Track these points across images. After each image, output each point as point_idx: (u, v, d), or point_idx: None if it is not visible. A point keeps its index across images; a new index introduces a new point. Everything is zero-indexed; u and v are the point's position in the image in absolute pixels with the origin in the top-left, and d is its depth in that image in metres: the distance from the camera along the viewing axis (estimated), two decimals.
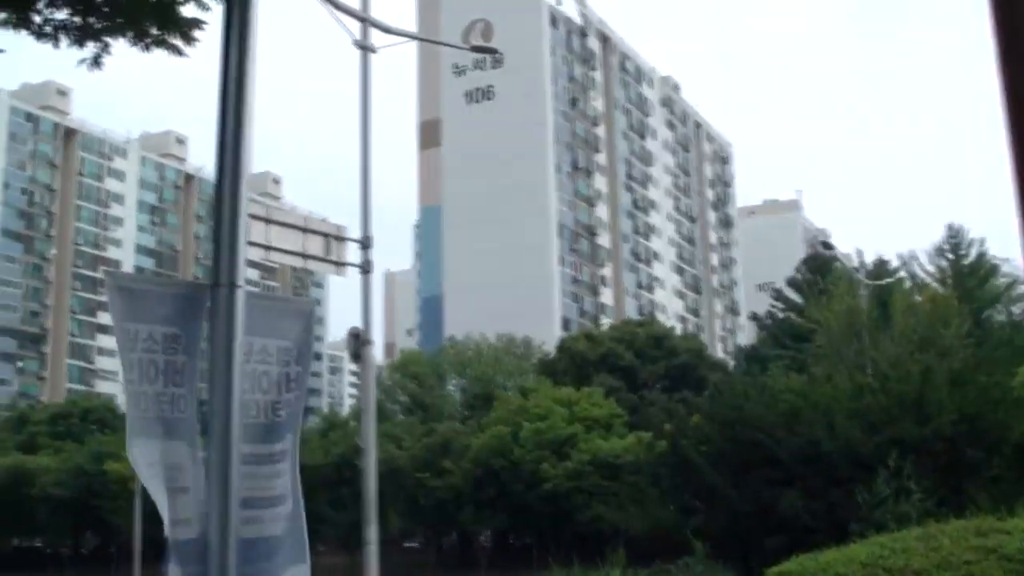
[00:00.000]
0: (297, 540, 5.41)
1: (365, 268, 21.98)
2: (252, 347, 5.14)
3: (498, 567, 70.54)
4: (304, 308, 5.64)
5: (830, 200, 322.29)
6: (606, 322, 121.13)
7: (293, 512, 5.42)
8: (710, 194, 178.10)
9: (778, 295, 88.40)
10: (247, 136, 5.06)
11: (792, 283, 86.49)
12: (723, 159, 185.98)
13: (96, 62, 8.14)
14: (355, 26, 23.48)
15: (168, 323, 4.97)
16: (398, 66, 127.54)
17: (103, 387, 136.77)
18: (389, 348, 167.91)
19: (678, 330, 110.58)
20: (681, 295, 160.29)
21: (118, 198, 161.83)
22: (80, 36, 8.10)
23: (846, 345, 53.90)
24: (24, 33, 8.34)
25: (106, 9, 7.95)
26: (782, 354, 72.11)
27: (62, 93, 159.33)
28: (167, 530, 4.83)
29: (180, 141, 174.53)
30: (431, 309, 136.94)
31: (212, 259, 4.96)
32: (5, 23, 8.22)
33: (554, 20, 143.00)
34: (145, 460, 4.86)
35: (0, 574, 77.10)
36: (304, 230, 20.55)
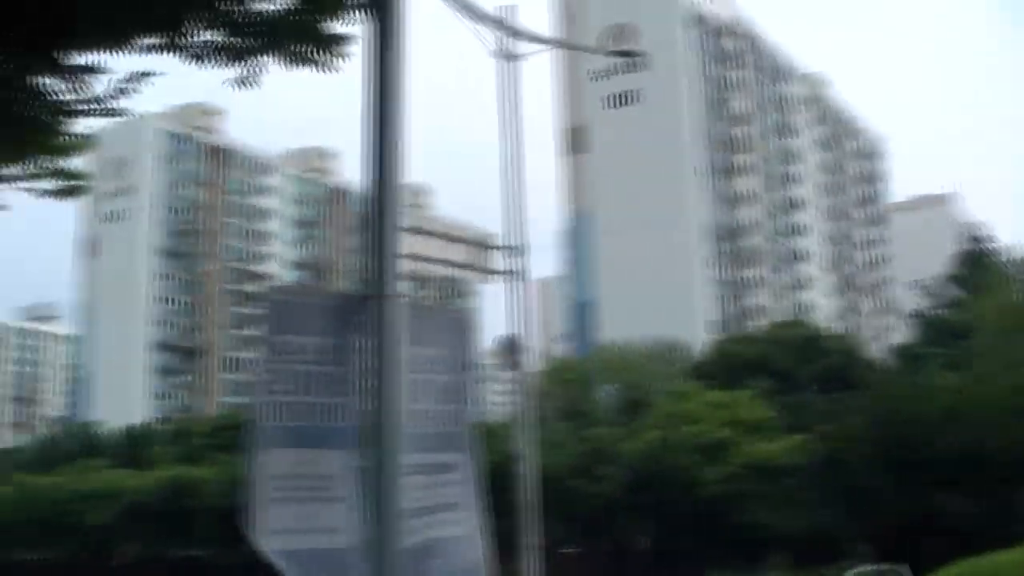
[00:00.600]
0: (472, 549, 5.38)
1: (516, 275, 21.97)
2: (411, 357, 5.12)
3: (655, 573, 70.10)
4: (461, 317, 5.62)
5: (988, 194, 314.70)
6: (754, 324, 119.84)
7: (468, 521, 5.39)
8: (859, 191, 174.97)
9: (931, 292, 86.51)
10: (398, 148, 5.06)
11: (947, 279, 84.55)
12: (873, 154, 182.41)
13: (244, 82, 8.21)
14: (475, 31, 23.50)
15: (324, 334, 4.98)
16: (532, 72, 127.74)
17: (249, 400, 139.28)
18: (537, 354, 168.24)
19: (829, 330, 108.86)
20: (831, 294, 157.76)
21: (268, 214, 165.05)
22: (227, 57, 8.18)
23: (1006, 342, 52.33)
24: (173, 56, 8.47)
25: (252, 29, 8.02)
26: (937, 352, 70.48)
27: (211, 113, 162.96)
28: (271, 541, 4.80)
29: (328, 155, 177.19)
30: (579, 315, 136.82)
31: (366, 271, 4.95)
32: (156, 48, 8.34)
33: (694, 21, 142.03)
34: (280, 471, 4.86)
35: None
36: (454, 239, 20.61)
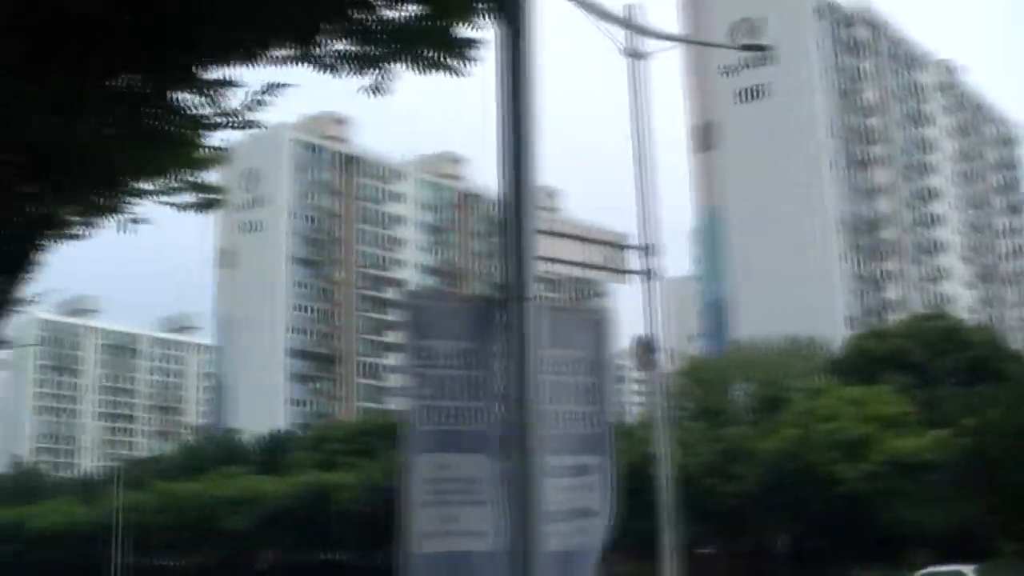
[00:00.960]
0: (597, 554, 5.37)
1: (650, 275, 21.89)
2: (548, 359, 5.11)
3: (794, 572, 69.28)
4: (597, 318, 5.59)
5: None
6: (893, 317, 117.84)
7: (596, 528, 5.37)
8: (998, 178, 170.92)
9: None
10: (533, 151, 5.05)
11: None
12: (1011, 141, 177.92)
13: (377, 89, 8.28)
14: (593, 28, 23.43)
15: (464, 338, 5.00)
16: (660, 69, 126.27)
17: (395, 404, 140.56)
18: (671, 354, 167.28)
19: (969, 322, 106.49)
20: (970, 286, 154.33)
21: (399, 220, 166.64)
22: (359, 65, 8.26)
23: None
24: (306, 67, 8.58)
25: (383, 37, 8.09)
26: None
27: (340, 122, 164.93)
28: (416, 544, 4.82)
29: (456, 160, 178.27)
30: (713, 313, 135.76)
31: (502, 274, 4.97)
32: (289, 59, 8.46)
33: (821, 11, 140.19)
34: (427, 474, 4.89)
35: None
36: (586, 240, 20.58)
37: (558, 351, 5.20)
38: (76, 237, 13.78)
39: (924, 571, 39.99)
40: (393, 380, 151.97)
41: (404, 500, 4.89)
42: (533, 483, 4.77)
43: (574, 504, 5.24)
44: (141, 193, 10.86)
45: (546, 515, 4.96)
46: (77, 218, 12.98)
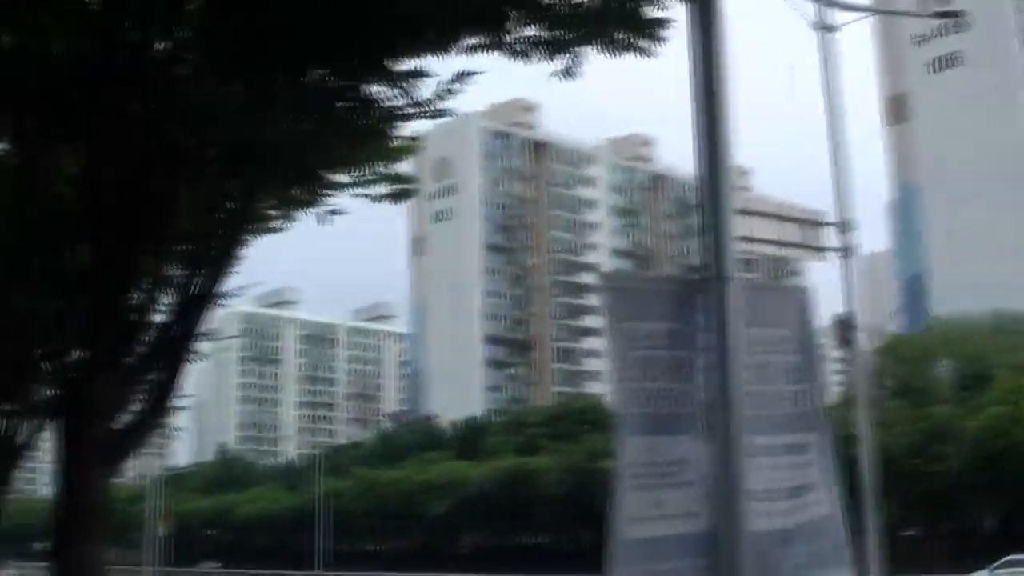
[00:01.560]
0: (835, 530, 5.27)
1: (846, 251, 21.46)
2: (751, 338, 5.04)
3: (1002, 553, 67.24)
4: (798, 295, 5.50)
5: None
6: None
7: (828, 502, 5.27)
8: None
9: None
10: (726, 129, 4.99)
11: None
12: None
13: (568, 73, 8.28)
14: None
15: (666, 319, 4.97)
16: (850, 41, 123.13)
17: (590, 388, 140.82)
18: (870, 331, 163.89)
19: None
20: None
21: (590, 204, 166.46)
22: (549, 50, 8.26)
23: None
24: (496, 54, 8.61)
25: (573, 21, 8.08)
26: None
27: (528, 108, 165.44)
28: (622, 528, 4.78)
29: (646, 143, 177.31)
30: (911, 289, 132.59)
31: (701, 254, 4.92)
32: (479, 47, 8.51)
33: None
34: (634, 458, 4.86)
35: (505, 569, 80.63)
36: (781, 218, 20.28)
37: (762, 330, 5.13)
38: (274, 230, 14.16)
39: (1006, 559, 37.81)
40: (589, 364, 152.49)
41: (613, 485, 4.88)
42: (738, 464, 4.72)
43: (793, 483, 5.16)
44: (336, 185, 11.09)
45: (764, 494, 4.92)
46: (275, 212, 13.33)
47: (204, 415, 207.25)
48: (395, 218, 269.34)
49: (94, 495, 9.40)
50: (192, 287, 10.15)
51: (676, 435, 4.92)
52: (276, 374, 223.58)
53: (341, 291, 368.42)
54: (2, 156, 15.69)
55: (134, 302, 10.73)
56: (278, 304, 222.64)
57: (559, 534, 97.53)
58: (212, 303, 10.55)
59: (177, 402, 10.47)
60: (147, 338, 10.95)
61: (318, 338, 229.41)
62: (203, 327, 10.68)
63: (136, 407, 10.59)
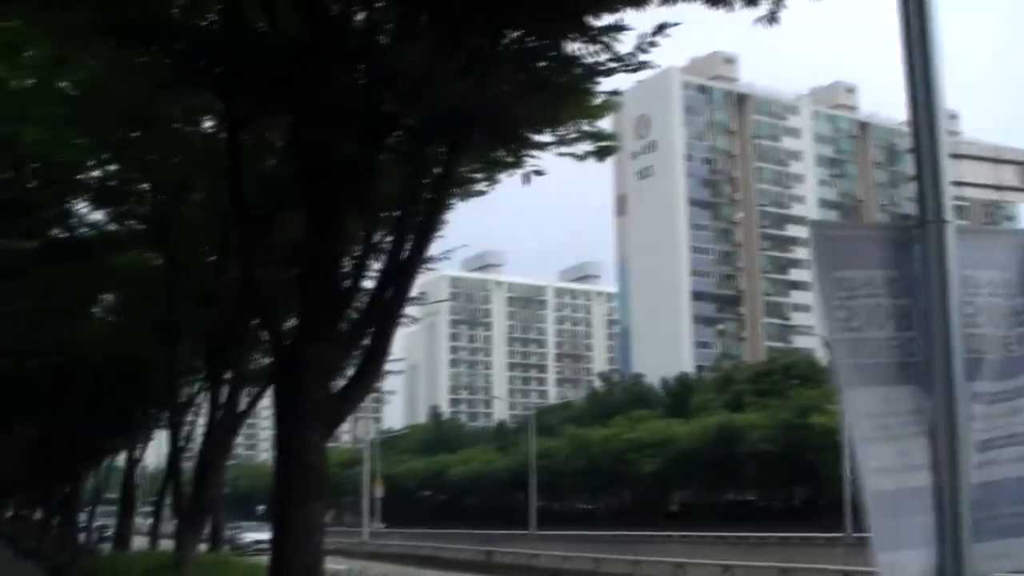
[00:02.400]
0: None
1: None
2: (969, 282, 4.88)
3: None
4: (1018, 237, 5.28)
5: None
6: None
7: None
8: None
9: None
10: (938, 70, 4.82)
11: None
12: None
13: (771, 18, 8.11)
14: None
15: (884, 266, 4.84)
16: None
17: (800, 342, 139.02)
18: None
19: None
20: None
21: (795, 155, 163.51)
22: None
23: None
24: (693, 4, 8.47)
25: None
26: None
27: (729, 61, 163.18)
28: (871, 480, 4.66)
29: (849, 90, 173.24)
30: None
31: (917, 199, 4.77)
32: None
33: None
34: (862, 409, 4.75)
35: (715, 527, 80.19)
36: (996, 161, 19.57)
37: (981, 272, 4.96)
38: (479, 194, 14.29)
39: None
40: (798, 318, 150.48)
41: (850, 438, 4.78)
42: (956, 411, 4.59)
43: (1003, 432, 4.98)
44: (539, 145, 11.11)
45: (983, 444, 4.78)
46: (478, 175, 13.44)
47: (416, 379, 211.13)
48: (599, 177, 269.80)
49: (312, 456, 9.65)
50: (400, 252, 10.28)
51: (903, 385, 4.80)
52: (485, 337, 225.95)
53: (547, 253, 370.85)
54: (211, 132, 16.20)
55: (345, 269, 10.97)
56: (485, 267, 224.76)
57: (769, 491, 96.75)
58: (420, 267, 10.68)
59: (389, 366, 10.66)
60: (358, 304, 11.19)
61: (526, 300, 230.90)
62: (412, 292, 10.83)
63: (350, 371, 10.83)
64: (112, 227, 21.98)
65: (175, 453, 22.75)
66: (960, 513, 4.57)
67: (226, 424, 19.35)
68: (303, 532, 9.52)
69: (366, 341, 10.37)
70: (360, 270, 11.27)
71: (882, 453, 4.69)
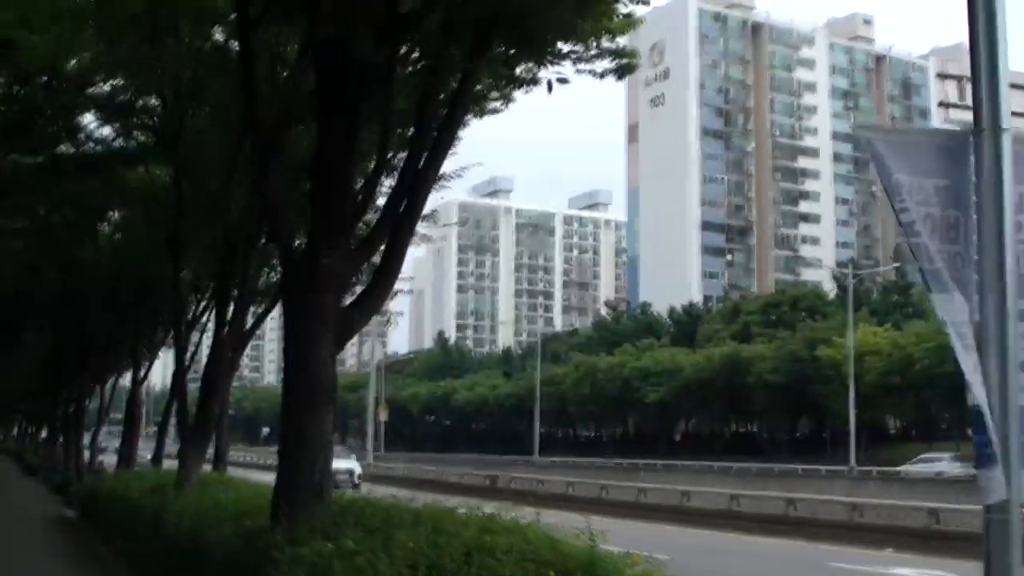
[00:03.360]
0: None
1: None
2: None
3: None
4: None
5: None
6: None
7: None
8: None
9: None
10: None
11: None
12: None
13: None
14: None
15: (936, 175, 4.57)
16: None
17: (808, 275, 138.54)
18: None
19: None
20: None
21: (810, 87, 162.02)
22: None
23: None
24: None
25: None
26: None
27: None
28: (976, 393, 4.44)
29: (867, 22, 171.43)
30: None
31: (973, 104, 4.51)
32: None
33: None
34: (946, 316, 4.52)
35: (719, 457, 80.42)
36: None
37: None
38: (493, 112, 13.99)
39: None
40: (808, 251, 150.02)
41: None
42: (1008, 329, 4.35)
43: None
44: (560, 56, 10.83)
45: None
46: (495, 93, 13.13)
47: (422, 304, 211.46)
48: (610, 106, 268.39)
49: (322, 369, 9.47)
50: (415, 165, 10.04)
51: (950, 294, 4.55)
52: (493, 263, 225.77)
53: (557, 181, 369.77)
54: (223, 44, 15.90)
55: (357, 184, 10.72)
56: (494, 194, 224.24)
57: (774, 422, 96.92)
58: (434, 182, 10.43)
59: (398, 285, 10.45)
60: (370, 219, 10.96)
61: (534, 227, 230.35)
62: (423, 209, 10.58)
63: (359, 287, 10.60)
64: (120, 142, 21.71)
65: (180, 370, 22.55)
66: (1009, 433, 4.37)
67: (232, 341, 19.13)
68: (313, 441, 9.35)
69: (377, 258, 10.19)
70: (373, 185, 11.02)
71: (966, 363, 4.46)
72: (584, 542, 6.89)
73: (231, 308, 19.40)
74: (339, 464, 33.10)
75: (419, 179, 9.96)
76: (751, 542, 26.29)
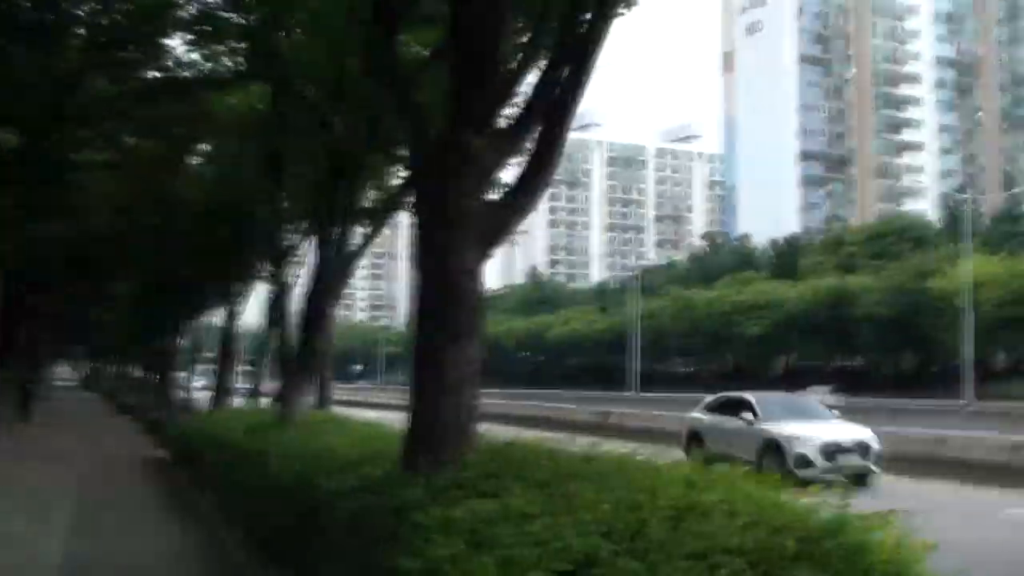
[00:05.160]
0: None
1: None
2: None
3: None
4: None
5: None
6: None
7: None
8: None
9: None
10: None
11: None
12: None
13: None
14: None
15: None
16: None
17: (910, 205, 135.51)
18: None
19: None
20: None
21: (913, 10, 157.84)
22: None
23: None
24: None
25: None
26: None
27: None
28: None
29: None
30: None
31: None
32: None
33: None
34: None
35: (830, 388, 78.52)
36: None
37: None
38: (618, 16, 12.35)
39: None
40: (910, 180, 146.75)
41: None
42: None
43: None
44: None
45: None
46: None
47: (513, 238, 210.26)
48: (706, 33, 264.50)
49: (466, 281, 7.87)
50: (574, 32, 8.35)
51: None
52: (585, 197, 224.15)
53: (650, 113, 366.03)
54: None
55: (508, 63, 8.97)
56: (585, 127, 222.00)
57: (880, 356, 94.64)
58: (602, 43, 8.64)
59: (552, 176, 8.74)
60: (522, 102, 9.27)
61: (626, 160, 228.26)
62: (590, 79, 8.81)
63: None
64: (209, 67, 20.36)
65: (279, 300, 21.33)
66: None
67: (337, 264, 17.63)
68: (454, 380, 7.73)
69: (530, 144, 8.50)
70: (525, 62, 9.28)
71: None
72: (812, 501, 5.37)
73: (335, 230, 17.94)
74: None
75: (588, 39, 8.30)
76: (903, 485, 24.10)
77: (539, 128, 8.41)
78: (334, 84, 16.53)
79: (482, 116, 7.98)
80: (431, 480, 6.78)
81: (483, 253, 8.07)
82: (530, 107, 8.58)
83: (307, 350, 17.43)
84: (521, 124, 8.52)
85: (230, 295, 35.35)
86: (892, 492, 20.20)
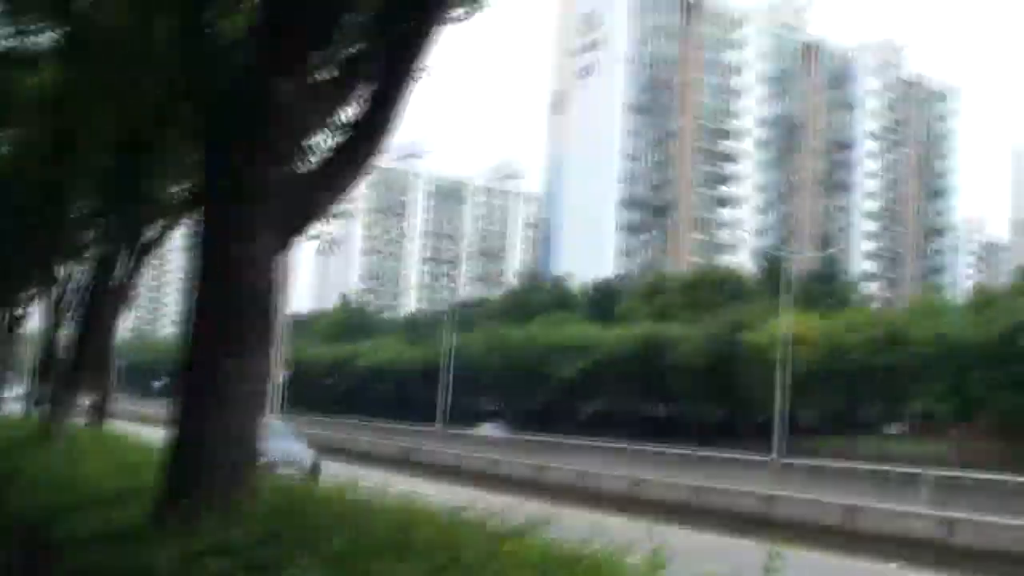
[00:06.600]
0: None
1: None
2: None
3: None
4: None
5: None
6: None
7: None
8: None
9: None
10: None
11: None
12: None
13: None
14: None
15: None
16: None
17: (727, 258, 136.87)
18: None
19: None
20: None
21: (742, 69, 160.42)
22: None
23: None
24: None
25: None
26: None
27: None
28: None
29: (801, 9, 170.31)
30: None
31: None
32: None
33: None
34: None
35: (630, 439, 77.45)
36: None
37: None
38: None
39: None
40: (725, 236, 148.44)
41: None
42: None
43: None
44: None
45: None
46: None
47: (326, 264, 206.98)
48: (535, 73, 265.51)
49: (257, 278, 5.72)
50: None
51: None
52: (402, 227, 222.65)
53: (477, 148, 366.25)
54: None
55: None
56: (408, 157, 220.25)
57: (692, 406, 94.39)
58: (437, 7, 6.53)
59: (381, 147, 6.55)
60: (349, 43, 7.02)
61: (446, 193, 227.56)
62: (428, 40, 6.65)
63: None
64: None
65: (58, 303, 18.76)
66: None
67: (125, 263, 15.14)
68: (237, 395, 5.46)
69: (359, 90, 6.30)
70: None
71: None
72: None
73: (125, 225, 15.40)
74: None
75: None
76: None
77: (370, 85, 6.18)
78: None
79: (294, 58, 5.75)
80: (188, 538, 4.50)
81: (283, 240, 5.87)
82: (362, 52, 6.36)
83: (80, 358, 14.91)
84: (344, 74, 6.30)
85: (11, 296, 32.27)
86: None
